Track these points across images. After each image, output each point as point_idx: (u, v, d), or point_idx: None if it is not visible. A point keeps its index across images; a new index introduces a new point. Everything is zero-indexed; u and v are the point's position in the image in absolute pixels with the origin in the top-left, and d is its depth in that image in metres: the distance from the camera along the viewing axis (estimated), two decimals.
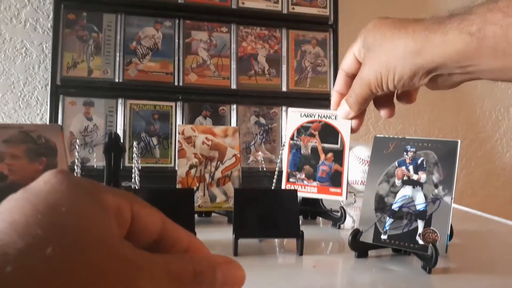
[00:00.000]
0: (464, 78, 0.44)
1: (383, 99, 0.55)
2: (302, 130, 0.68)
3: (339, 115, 0.60)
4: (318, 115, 0.67)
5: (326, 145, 0.66)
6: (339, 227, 0.67)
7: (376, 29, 0.48)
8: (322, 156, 0.66)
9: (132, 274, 0.17)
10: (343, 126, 0.64)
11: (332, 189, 0.65)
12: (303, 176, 0.67)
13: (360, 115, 0.59)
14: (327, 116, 0.66)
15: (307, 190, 0.66)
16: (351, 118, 0.60)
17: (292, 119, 0.69)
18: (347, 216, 0.69)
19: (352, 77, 0.55)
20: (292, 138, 0.68)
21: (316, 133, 0.67)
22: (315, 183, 0.66)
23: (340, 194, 0.65)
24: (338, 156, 0.66)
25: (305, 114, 0.68)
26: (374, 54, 0.48)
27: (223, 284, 0.20)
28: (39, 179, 0.19)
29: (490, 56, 0.39)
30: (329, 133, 0.66)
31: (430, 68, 0.44)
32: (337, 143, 0.66)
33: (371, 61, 0.49)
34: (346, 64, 0.54)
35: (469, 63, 0.41)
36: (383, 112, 0.55)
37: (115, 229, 0.19)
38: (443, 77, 0.45)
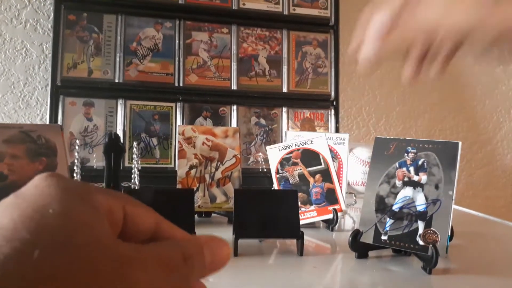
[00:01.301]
0: None
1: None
2: (284, 162, 0.70)
3: (363, 55, 0.43)
4: (295, 145, 0.70)
5: (311, 169, 0.69)
6: (332, 229, 0.67)
7: None
8: (311, 180, 0.68)
9: (127, 269, 0.17)
10: (321, 146, 0.67)
11: (331, 207, 0.67)
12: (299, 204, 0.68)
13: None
14: (303, 143, 0.69)
15: (307, 216, 0.68)
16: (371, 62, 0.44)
17: (272, 155, 0.71)
18: (347, 217, 0.69)
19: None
20: (277, 172, 0.70)
21: (298, 160, 0.69)
22: (312, 207, 0.67)
23: (340, 210, 0.66)
24: (326, 175, 0.68)
25: (282, 147, 0.71)
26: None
27: (211, 262, 0.21)
28: (30, 183, 0.19)
29: None
30: (310, 157, 0.69)
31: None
32: (320, 164, 0.68)
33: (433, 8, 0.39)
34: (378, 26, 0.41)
35: None
36: (408, 69, 0.42)
37: (107, 229, 0.18)
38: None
